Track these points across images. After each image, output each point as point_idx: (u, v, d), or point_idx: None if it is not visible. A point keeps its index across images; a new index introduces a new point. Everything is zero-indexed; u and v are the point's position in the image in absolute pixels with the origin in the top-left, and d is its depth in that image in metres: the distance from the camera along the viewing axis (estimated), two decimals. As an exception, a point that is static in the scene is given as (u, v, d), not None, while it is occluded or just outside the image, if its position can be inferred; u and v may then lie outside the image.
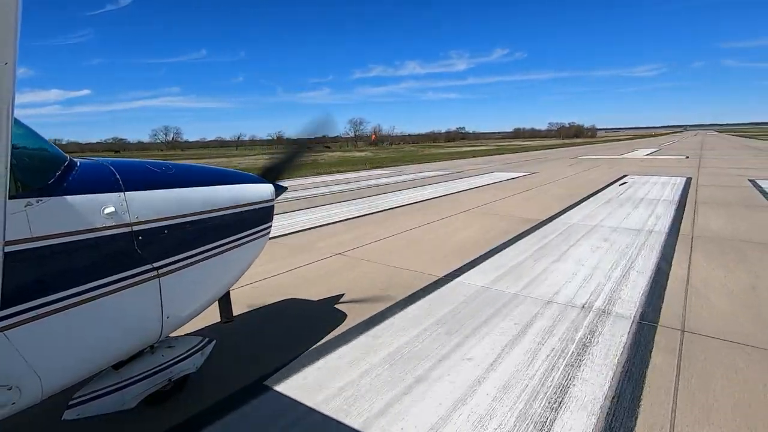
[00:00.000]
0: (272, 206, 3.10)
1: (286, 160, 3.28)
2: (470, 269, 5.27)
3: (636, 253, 5.82)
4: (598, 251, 5.93)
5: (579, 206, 9.66)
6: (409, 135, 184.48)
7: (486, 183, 15.02)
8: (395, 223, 8.25)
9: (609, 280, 4.79)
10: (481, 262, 5.57)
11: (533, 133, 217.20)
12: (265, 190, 3.01)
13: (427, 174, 19.53)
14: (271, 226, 3.14)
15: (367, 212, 9.66)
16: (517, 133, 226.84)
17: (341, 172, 22.37)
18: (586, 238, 6.71)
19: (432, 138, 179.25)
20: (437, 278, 4.96)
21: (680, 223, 7.64)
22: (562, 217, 8.47)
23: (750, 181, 13.47)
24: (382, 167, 25.32)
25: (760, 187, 12.06)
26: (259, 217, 2.92)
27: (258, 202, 2.88)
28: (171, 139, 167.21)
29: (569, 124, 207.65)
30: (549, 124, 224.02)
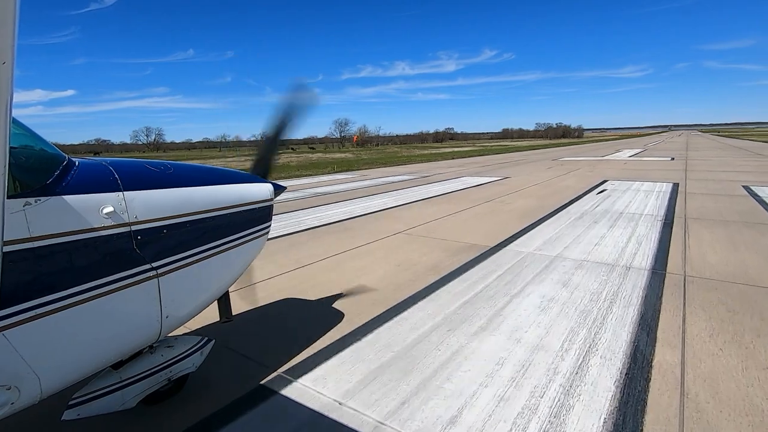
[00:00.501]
0: (271, 206, 3.04)
1: (266, 155, 3.20)
2: (336, 354, 3.27)
3: (604, 312, 3.90)
4: (550, 308, 3.99)
5: (544, 224, 7.77)
6: (397, 135, 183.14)
7: (447, 191, 13.10)
8: (299, 253, 6.23)
9: (553, 380, 2.84)
10: (364, 335, 3.58)
11: (521, 133, 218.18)
12: (264, 189, 2.95)
13: (390, 179, 17.57)
14: (270, 226, 3.06)
15: (283, 233, 7.63)
16: (506, 134, 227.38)
17: (303, 176, 20.35)
18: (539, 280, 4.78)
19: (421, 138, 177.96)
20: (265, 379, 2.95)
21: (667, 252, 5.77)
22: (517, 242, 6.54)
23: (744, 188, 11.78)
24: (350, 171, 23.45)
25: (758, 196, 10.34)
26: (258, 216, 2.86)
27: (257, 202, 2.83)
28: (153, 140, 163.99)
29: (556, 124, 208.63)
30: (536, 124, 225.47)
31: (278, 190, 3.17)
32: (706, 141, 60.59)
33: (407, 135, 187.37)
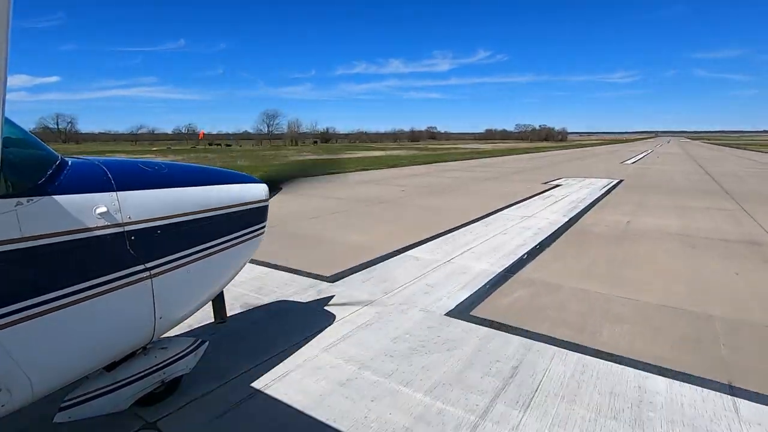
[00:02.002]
0: (266, 206, 3.05)
1: (291, 176, 3.43)
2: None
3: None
4: None
5: None
6: (365, 133, 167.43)
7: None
8: None
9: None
10: None
11: (504, 135, 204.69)
12: (259, 189, 2.94)
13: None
14: (265, 226, 3.06)
15: None
16: (488, 135, 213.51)
17: None
18: None
19: (394, 138, 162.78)
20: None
21: None
22: None
23: None
24: None
25: None
26: (253, 217, 2.86)
27: (252, 202, 2.82)
28: (66, 128, 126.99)
29: (540, 126, 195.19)
30: (516, 125, 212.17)
31: (273, 190, 3.14)
32: (708, 151, 46.81)
33: (376, 133, 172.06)
